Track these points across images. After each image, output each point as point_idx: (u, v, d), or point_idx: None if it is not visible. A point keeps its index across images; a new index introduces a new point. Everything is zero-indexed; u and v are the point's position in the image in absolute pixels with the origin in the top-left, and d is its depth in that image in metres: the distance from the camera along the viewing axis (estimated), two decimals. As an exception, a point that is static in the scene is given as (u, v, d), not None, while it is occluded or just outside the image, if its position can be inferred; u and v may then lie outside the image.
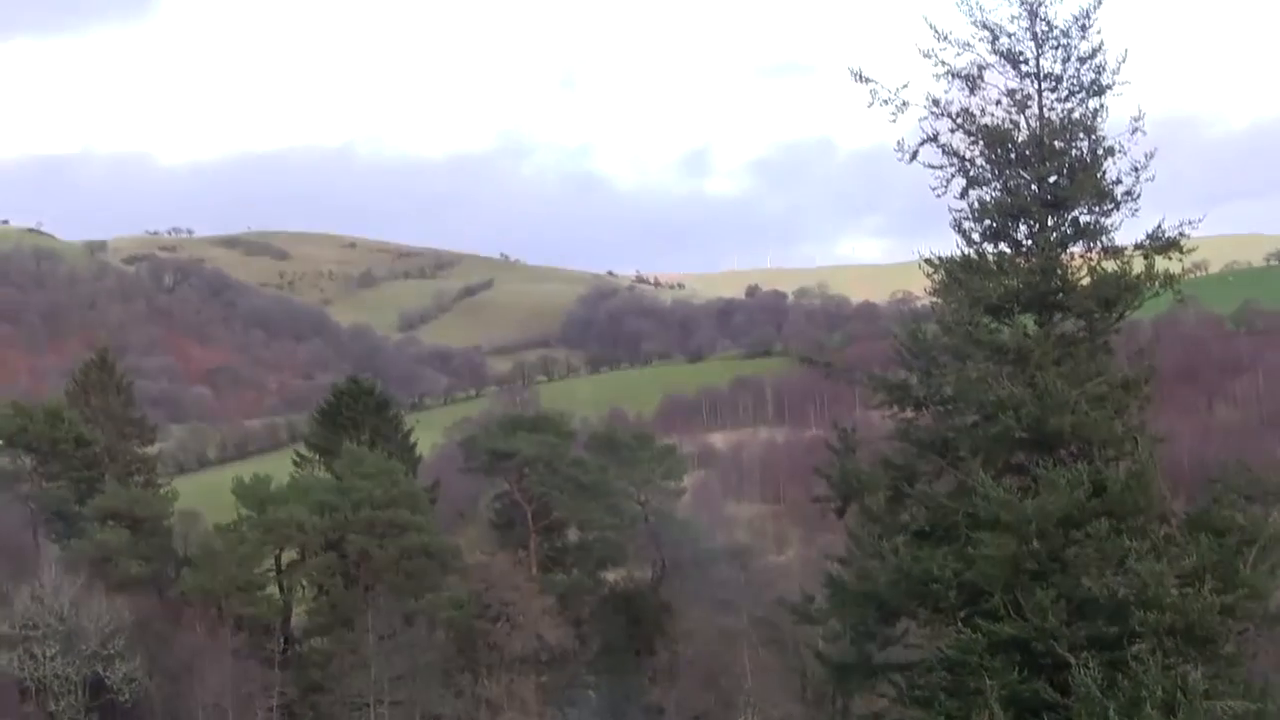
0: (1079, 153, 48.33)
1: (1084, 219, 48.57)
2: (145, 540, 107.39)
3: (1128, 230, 49.07)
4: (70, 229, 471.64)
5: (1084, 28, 48.61)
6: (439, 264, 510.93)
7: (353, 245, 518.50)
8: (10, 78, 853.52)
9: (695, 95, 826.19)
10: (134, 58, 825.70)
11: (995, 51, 48.83)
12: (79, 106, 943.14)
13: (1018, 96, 48.78)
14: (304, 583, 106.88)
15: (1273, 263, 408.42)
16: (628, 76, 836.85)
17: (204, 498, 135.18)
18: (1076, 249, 48.93)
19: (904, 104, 49.01)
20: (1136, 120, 48.36)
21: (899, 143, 49.50)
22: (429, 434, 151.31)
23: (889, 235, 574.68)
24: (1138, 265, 47.90)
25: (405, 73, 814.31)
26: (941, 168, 49.07)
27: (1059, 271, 48.46)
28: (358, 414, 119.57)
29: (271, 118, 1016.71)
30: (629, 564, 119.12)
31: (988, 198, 48.79)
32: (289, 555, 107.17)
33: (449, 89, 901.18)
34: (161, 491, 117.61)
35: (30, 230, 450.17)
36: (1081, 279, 48.45)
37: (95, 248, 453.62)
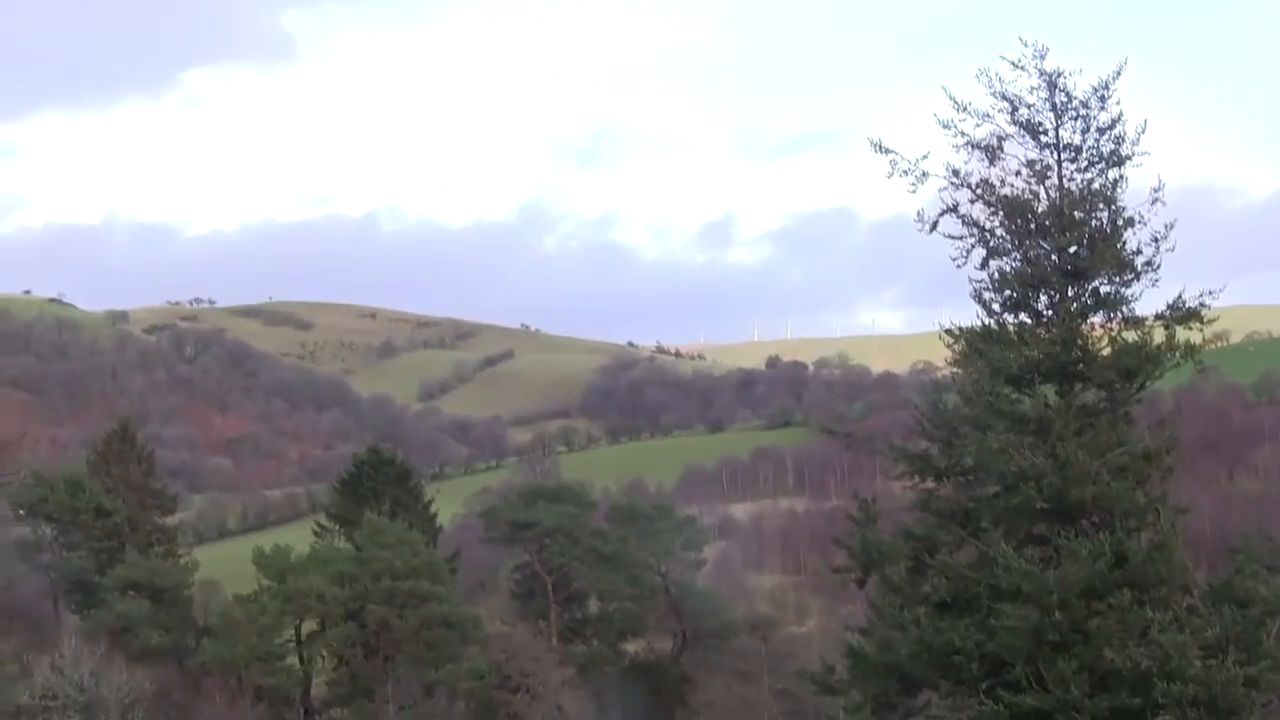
0: (1099, 223, 48.40)
1: (1104, 289, 48.59)
2: (165, 610, 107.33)
3: (1148, 300, 49.09)
4: (92, 299, 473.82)
5: (1103, 99, 48.76)
6: (459, 334, 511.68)
7: (373, 315, 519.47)
8: (36, 149, 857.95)
9: (717, 166, 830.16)
10: (159, 130, 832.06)
11: (1015, 122, 48.97)
12: (103, 178, 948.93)
13: (1037, 167, 48.89)
14: (324, 653, 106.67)
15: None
16: (650, 147, 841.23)
17: (224, 567, 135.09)
18: (1097, 319, 48.94)
19: (924, 174, 49.15)
20: (1156, 191, 48.46)
21: (919, 213, 49.65)
22: (449, 504, 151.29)
23: (909, 305, 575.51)
24: (1158, 336, 47.89)
25: (428, 143, 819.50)
26: (961, 238, 49.16)
27: (1080, 342, 48.45)
28: (378, 484, 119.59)
29: (295, 188, 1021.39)
30: (649, 635, 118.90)
31: (1008, 268, 48.83)
32: (309, 625, 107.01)
33: (472, 159, 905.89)
34: (182, 561, 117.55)
35: (52, 300, 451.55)
36: (1102, 349, 48.45)
37: (117, 318, 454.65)
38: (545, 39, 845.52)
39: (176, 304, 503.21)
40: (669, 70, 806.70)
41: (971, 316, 49.63)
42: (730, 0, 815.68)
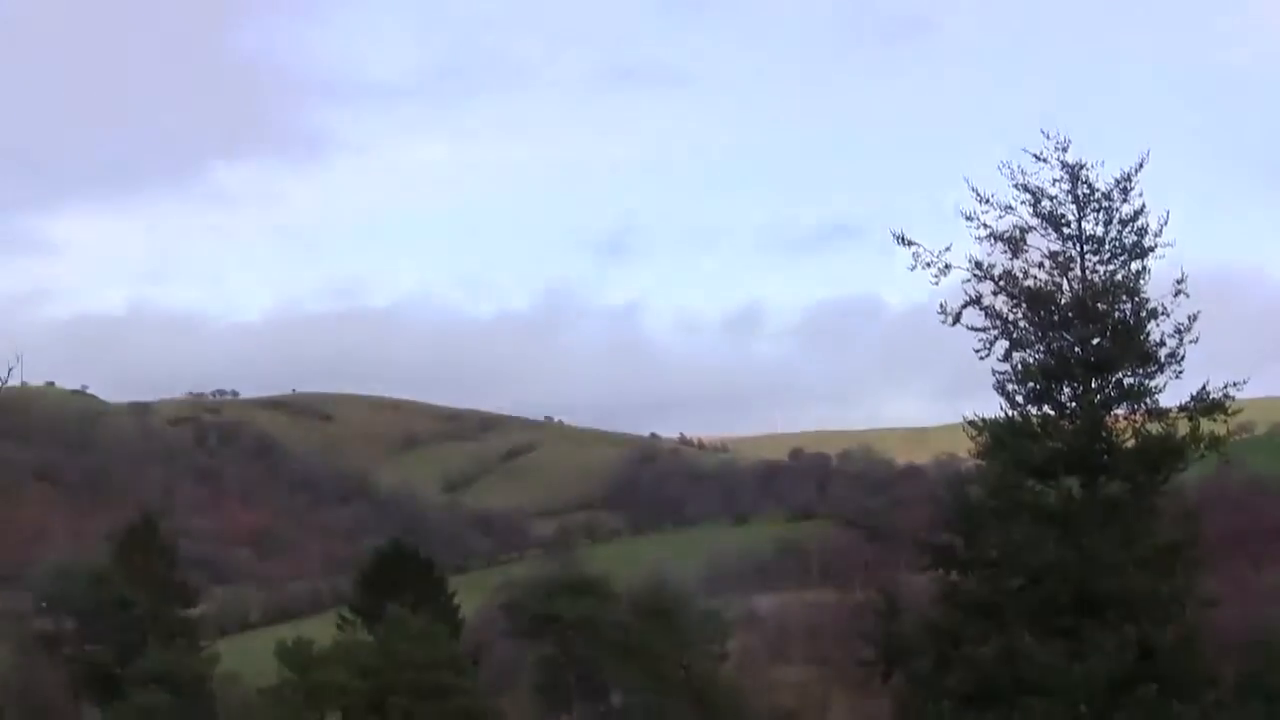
0: (1122, 315, 48.40)
1: (1128, 381, 48.56)
2: (187, 703, 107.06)
3: (1172, 392, 49.03)
4: (116, 391, 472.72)
5: (1125, 191, 48.87)
6: (483, 425, 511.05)
7: (396, 407, 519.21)
8: (65, 242, 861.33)
9: (743, 257, 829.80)
10: (186, 221, 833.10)
11: (1037, 214, 49.09)
12: (131, 269, 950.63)
13: (1060, 259, 48.94)
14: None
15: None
16: (676, 239, 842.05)
17: (246, 660, 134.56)
18: (1121, 411, 48.87)
19: (946, 266, 49.25)
20: (1179, 282, 48.50)
21: (942, 305, 49.71)
22: (473, 596, 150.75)
23: (933, 397, 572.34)
24: (1182, 428, 47.77)
25: (455, 234, 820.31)
26: (985, 330, 49.18)
27: (1103, 434, 48.36)
28: (400, 577, 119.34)
29: (321, 279, 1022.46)
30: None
31: (1031, 360, 48.81)
32: (331, 719, 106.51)
33: (499, 250, 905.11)
34: (203, 654, 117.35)
35: (76, 392, 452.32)
36: (1126, 441, 48.33)
37: (140, 409, 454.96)
38: (573, 132, 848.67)
39: (200, 395, 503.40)
40: (696, 162, 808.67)
41: (995, 408, 49.62)
42: (756, 94, 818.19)
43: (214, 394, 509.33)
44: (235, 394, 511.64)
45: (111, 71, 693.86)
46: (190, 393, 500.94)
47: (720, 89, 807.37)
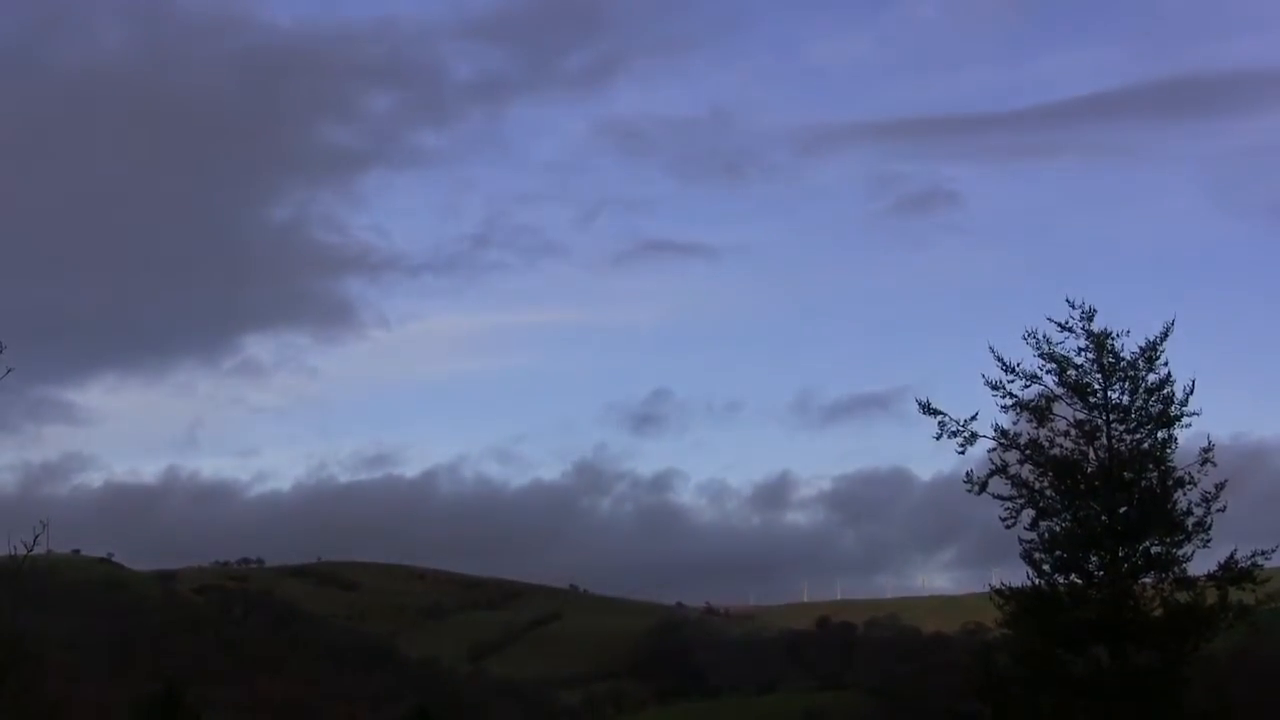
0: (1149, 483, 48.44)
1: (1155, 549, 48.51)
2: None
3: (1200, 561, 48.95)
4: (141, 559, 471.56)
5: (1151, 360, 49.09)
6: (507, 594, 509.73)
7: (422, 577, 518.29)
8: (97, 412, 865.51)
9: (773, 428, 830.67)
10: (217, 391, 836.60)
11: (1063, 383, 49.31)
12: (162, 439, 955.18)
13: (1086, 427, 49.08)
14: None
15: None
16: (707, 410, 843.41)
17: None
18: (1148, 580, 48.76)
19: (973, 435, 49.42)
20: (1206, 451, 48.57)
21: (968, 474, 49.83)
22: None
23: (960, 565, 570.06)
24: (1211, 596, 47.63)
25: (488, 405, 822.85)
26: (1011, 498, 49.23)
27: (1131, 603, 48.23)
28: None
29: (353, 450, 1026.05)
30: None
31: (1058, 528, 48.83)
32: None
33: (531, 421, 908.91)
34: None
35: (101, 560, 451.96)
36: (1154, 610, 48.19)
37: (165, 578, 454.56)
38: (603, 303, 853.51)
39: (225, 564, 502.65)
40: (726, 334, 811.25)
41: (1022, 577, 49.52)
42: (783, 265, 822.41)
43: (239, 562, 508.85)
44: (261, 562, 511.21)
45: (145, 243, 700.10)
46: (216, 561, 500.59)
47: (746, 260, 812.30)
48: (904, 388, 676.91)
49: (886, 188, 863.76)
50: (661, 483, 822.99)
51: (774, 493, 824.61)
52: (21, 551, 37.54)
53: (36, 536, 37.66)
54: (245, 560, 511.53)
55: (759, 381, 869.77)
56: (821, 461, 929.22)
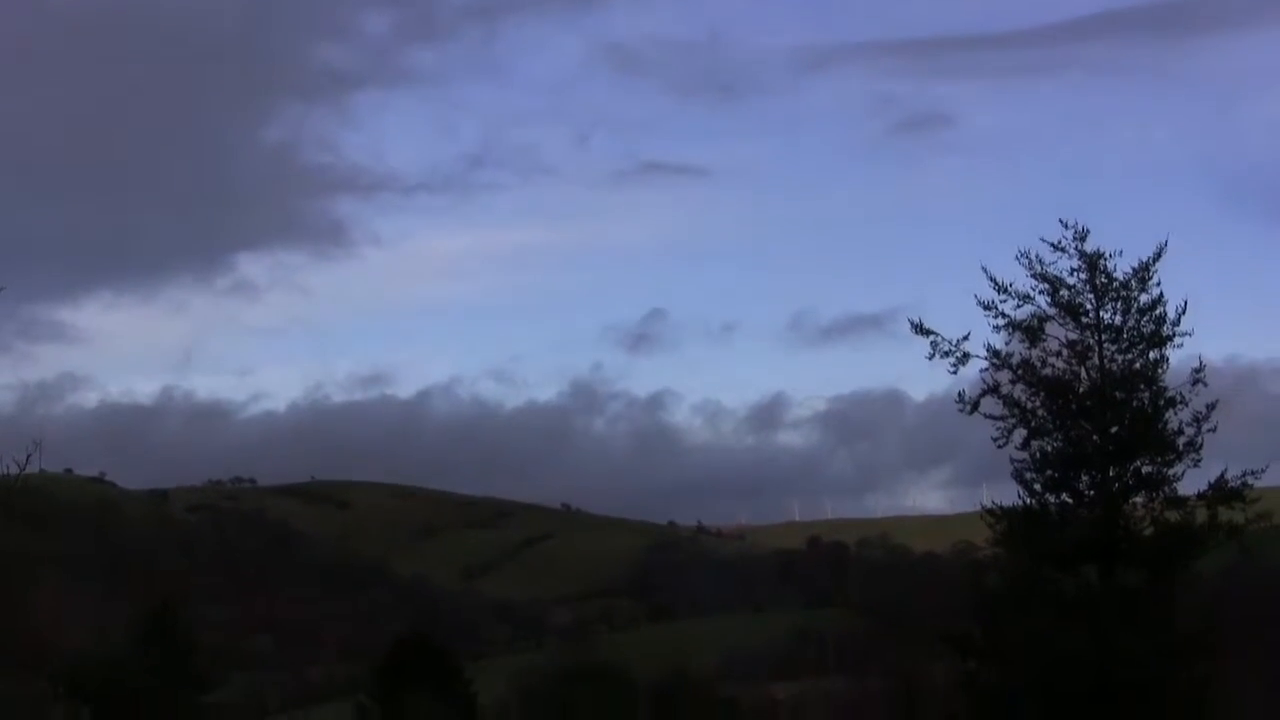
0: (1140, 404, 48.52)
1: (1146, 469, 48.61)
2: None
3: (1190, 480, 49.10)
4: (134, 479, 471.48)
5: (1143, 280, 49.06)
6: (499, 513, 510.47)
7: (414, 495, 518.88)
8: (90, 331, 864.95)
9: (767, 349, 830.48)
10: (212, 311, 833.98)
11: (1055, 304, 49.29)
12: (157, 359, 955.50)
13: (1078, 348, 49.11)
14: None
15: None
16: (702, 330, 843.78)
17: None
18: (1139, 499, 48.90)
19: (965, 355, 49.46)
20: (1197, 372, 48.63)
21: (960, 394, 49.91)
22: (491, 684, 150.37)
23: (953, 485, 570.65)
24: (1200, 516, 47.80)
25: (482, 325, 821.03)
26: (1003, 418, 49.31)
27: (1122, 522, 48.39)
28: (418, 664, 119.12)
29: (348, 370, 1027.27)
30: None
31: (1049, 448, 48.92)
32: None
33: (527, 341, 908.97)
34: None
35: (93, 480, 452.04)
36: (1144, 529, 48.36)
37: (157, 497, 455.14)
38: (598, 224, 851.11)
39: (218, 483, 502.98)
40: (721, 254, 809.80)
41: (1013, 497, 49.68)
42: (779, 186, 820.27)
43: (231, 481, 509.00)
44: (253, 481, 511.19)
45: (138, 162, 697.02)
46: (208, 480, 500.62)
47: (742, 181, 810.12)
48: (899, 308, 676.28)
49: (883, 107, 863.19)
50: (656, 403, 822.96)
51: (768, 413, 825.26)
52: (13, 471, 37.49)
53: (29, 456, 37.58)
54: (238, 479, 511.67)
55: (754, 302, 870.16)
56: (816, 382, 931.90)
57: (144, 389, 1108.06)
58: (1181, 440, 48.73)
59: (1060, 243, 49.48)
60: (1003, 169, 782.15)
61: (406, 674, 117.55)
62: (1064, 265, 49.59)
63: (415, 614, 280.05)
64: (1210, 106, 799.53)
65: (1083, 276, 49.43)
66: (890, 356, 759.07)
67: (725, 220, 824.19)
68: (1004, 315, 49.82)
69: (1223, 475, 48.68)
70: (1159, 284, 49.48)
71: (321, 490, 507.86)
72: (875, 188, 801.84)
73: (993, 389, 49.69)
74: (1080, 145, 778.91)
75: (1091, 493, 48.88)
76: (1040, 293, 49.64)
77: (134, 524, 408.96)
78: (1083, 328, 49.36)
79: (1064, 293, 49.43)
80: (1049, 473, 49.01)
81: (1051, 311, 49.62)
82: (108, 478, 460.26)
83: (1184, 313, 49.24)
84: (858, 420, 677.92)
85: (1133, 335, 49.30)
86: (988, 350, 49.83)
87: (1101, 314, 49.35)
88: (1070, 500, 49.24)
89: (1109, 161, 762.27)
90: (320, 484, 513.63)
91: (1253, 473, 48.60)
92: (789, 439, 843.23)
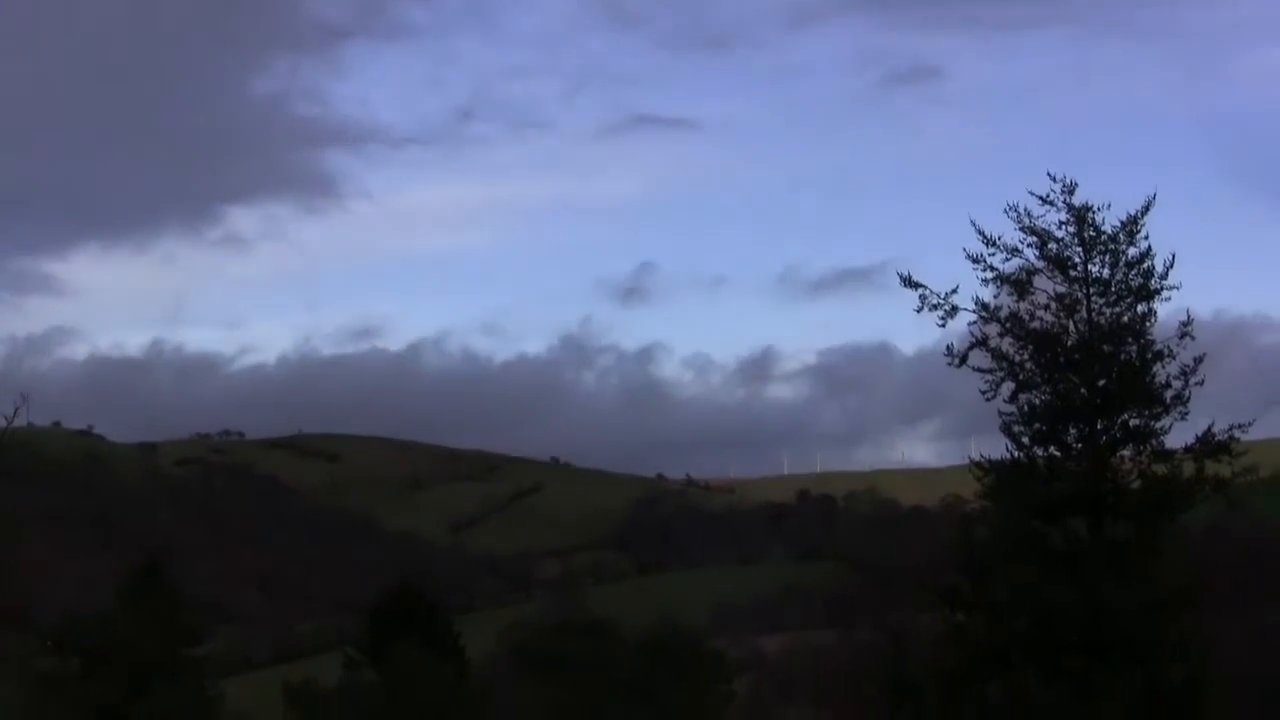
0: (1128, 357, 48.54)
1: (1133, 423, 48.66)
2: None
3: (1178, 434, 49.15)
4: (123, 432, 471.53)
5: (1132, 234, 49.04)
6: (488, 466, 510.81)
7: (402, 448, 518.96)
8: (80, 284, 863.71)
9: (758, 302, 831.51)
10: (201, 264, 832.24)
11: (1044, 257, 49.27)
12: (147, 312, 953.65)
13: (1066, 301, 49.10)
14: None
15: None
16: (693, 283, 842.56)
17: (252, 701, 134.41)
18: (1126, 452, 48.95)
19: (953, 309, 49.47)
20: (1185, 325, 48.66)
21: (948, 347, 49.89)
22: (479, 638, 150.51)
23: (941, 438, 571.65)
24: (1188, 469, 47.86)
25: (473, 279, 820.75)
26: (991, 371, 49.33)
27: (1109, 475, 48.45)
28: (407, 617, 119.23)
29: (338, 323, 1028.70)
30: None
31: (1037, 401, 48.97)
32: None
33: (518, 294, 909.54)
34: (209, 695, 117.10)
35: (81, 433, 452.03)
36: (1132, 483, 48.42)
37: (146, 450, 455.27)
38: (589, 177, 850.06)
39: (206, 436, 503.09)
40: (711, 208, 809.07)
41: (1001, 450, 49.71)
42: (769, 139, 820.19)
43: (220, 435, 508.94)
44: (241, 435, 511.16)
45: (129, 114, 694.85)
46: (196, 434, 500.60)
47: (732, 135, 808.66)
48: (888, 261, 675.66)
49: (873, 61, 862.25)
50: (646, 356, 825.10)
51: (757, 366, 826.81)
52: (1, 425, 37.52)
53: (16, 410, 37.62)
54: (226, 433, 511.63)
55: (744, 255, 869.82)
56: (805, 335, 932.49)
57: (133, 342, 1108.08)
58: (1169, 393, 48.77)
59: (1048, 196, 49.46)
60: (993, 122, 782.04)
61: (395, 627, 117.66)
62: (1052, 219, 49.60)
63: (404, 567, 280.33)
64: (1201, 59, 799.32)
65: (1071, 230, 49.40)
66: (880, 310, 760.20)
67: (715, 174, 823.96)
68: (992, 268, 49.86)
69: (1210, 429, 48.77)
70: (1147, 237, 49.53)
71: (310, 443, 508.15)
72: (865, 141, 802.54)
73: (981, 342, 49.69)
74: (1070, 98, 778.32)
75: (1079, 446, 48.94)
76: (1028, 246, 49.66)
77: (122, 478, 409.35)
78: (1071, 281, 49.34)
79: (1052, 246, 49.40)
80: (1037, 426, 49.05)
81: (1040, 265, 49.61)
82: (96, 431, 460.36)
83: (1172, 266, 49.28)
84: (847, 373, 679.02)
85: (1121, 288, 49.28)
86: (976, 303, 49.86)
87: (1089, 267, 49.33)
88: (1058, 453, 49.30)
89: (1099, 115, 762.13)
90: (309, 437, 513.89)
91: (1239, 426, 48.68)
92: (779, 392, 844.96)
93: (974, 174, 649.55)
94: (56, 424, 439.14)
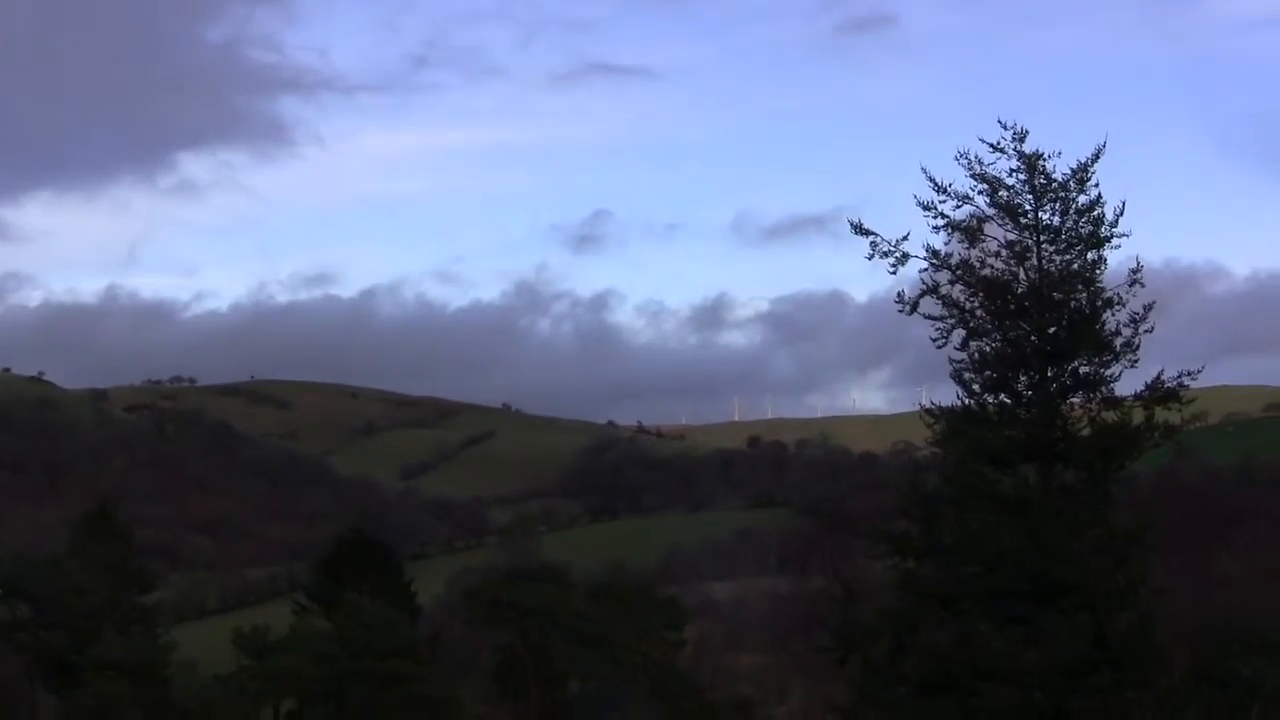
0: (1078, 304, 48.64)
1: (1083, 370, 48.82)
2: (144, 691, 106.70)
3: (1127, 381, 49.34)
4: (74, 378, 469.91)
5: (1082, 181, 49.09)
6: (440, 413, 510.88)
7: (354, 395, 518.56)
8: (33, 230, 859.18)
9: (711, 249, 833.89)
10: (154, 211, 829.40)
11: (994, 204, 49.31)
12: (101, 259, 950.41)
13: (1017, 248, 49.17)
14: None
15: (1272, 414, 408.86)
16: (646, 230, 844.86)
17: (203, 647, 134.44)
18: (1076, 399, 49.13)
19: (904, 256, 49.48)
20: (1135, 273, 48.80)
21: (899, 294, 49.96)
22: (430, 584, 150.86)
23: (892, 385, 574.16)
24: (1137, 416, 48.06)
25: (426, 225, 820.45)
26: (942, 319, 49.40)
27: (1059, 422, 48.63)
28: (358, 563, 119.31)
29: (292, 270, 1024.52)
30: (630, 716, 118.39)
31: (988, 348, 49.06)
32: (288, 706, 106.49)
33: (471, 241, 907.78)
34: (160, 641, 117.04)
35: (32, 379, 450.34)
36: (1082, 430, 48.60)
37: (97, 397, 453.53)
38: (543, 124, 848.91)
39: (157, 383, 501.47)
40: (665, 155, 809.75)
41: (952, 396, 49.86)
42: (722, 87, 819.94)
43: (170, 380, 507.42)
44: (193, 381, 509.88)
45: (81, 61, 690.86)
46: (147, 380, 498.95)
47: (687, 82, 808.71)
48: (842, 208, 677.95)
49: (828, 8, 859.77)
50: (600, 303, 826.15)
51: (711, 313, 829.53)
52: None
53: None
54: (177, 379, 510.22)
55: (698, 203, 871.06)
56: (758, 282, 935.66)
57: (88, 289, 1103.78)
58: (1119, 341, 48.91)
59: (999, 143, 49.46)
60: (946, 70, 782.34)
61: (347, 573, 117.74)
62: (1003, 166, 49.59)
63: (356, 514, 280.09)
64: (1154, 5, 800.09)
65: (1021, 177, 49.43)
66: (833, 257, 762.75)
67: (669, 121, 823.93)
68: (943, 216, 49.85)
69: (1159, 376, 48.95)
70: (1097, 185, 49.56)
71: (262, 390, 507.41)
72: (819, 88, 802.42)
73: (932, 289, 49.74)
74: (1023, 46, 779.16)
75: (1029, 393, 49.09)
76: (979, 193, 49.65)
77: (73, 424, 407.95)
78: (1021, 228, 49.40)
79: (1003, 193, 49.43)
80: (987, 373, 49.17)
81: (990, 212, 49.65)
82: (47, 377, 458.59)
83: (1122, 214, 49.35)
84: (800, 320, 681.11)
85: (1071, 236, 49.35)
86: (927, 250, 49.87)
87: (1040, 215, 49.38)
88: (1008, 400, 49.45)
89: (1051, 62, 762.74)
90: (261, 383, 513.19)
91: (1189, 374, 48.90)
92: (731, 339, 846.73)
93: (927, 121, 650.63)
94: (7, 370, 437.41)
